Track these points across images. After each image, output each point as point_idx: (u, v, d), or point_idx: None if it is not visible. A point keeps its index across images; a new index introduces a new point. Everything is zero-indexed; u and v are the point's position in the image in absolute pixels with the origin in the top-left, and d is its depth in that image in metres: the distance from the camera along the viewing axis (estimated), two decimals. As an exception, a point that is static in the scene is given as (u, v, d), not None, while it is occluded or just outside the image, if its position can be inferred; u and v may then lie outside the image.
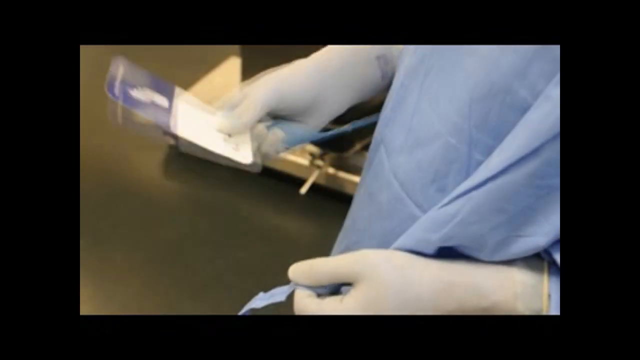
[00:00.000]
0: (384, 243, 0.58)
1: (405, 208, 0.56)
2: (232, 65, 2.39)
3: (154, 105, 0.58)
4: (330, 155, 1.97)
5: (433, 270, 0.50)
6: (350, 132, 0.68)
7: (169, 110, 0.59)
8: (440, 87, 0.53)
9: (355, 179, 1.94)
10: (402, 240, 0.52)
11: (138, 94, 0.57)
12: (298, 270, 0.53)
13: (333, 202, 2.00)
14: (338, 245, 0.72)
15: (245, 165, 0.59)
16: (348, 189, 1.96)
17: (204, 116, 0.62)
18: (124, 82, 0.57)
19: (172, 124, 0.58)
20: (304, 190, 1.91)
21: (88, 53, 2.49)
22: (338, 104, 0.65)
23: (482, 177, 0.47)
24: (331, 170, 1.99)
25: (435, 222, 0.50)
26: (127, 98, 0.56)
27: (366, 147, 1.79)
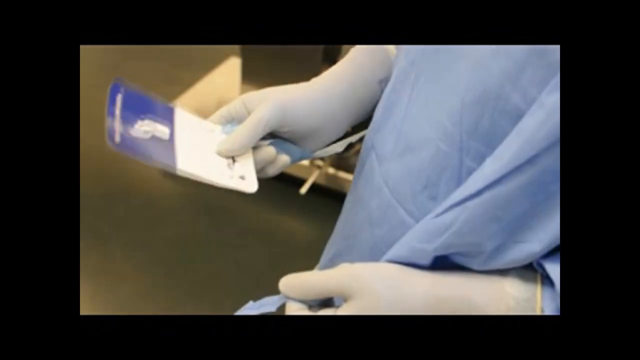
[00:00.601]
0: (374, 250, 0.58)
1: (396, 215, 0.55)
2: (232, 65, 2.39)
3: (154, 140, 0.57)
4: (331, 156, 1.97)
5: (425, 285, 0.49)
6: (342, 152, 0.68)
7: (170, 142, 0.58)
8: (431, 92, 0.52)
9: (355, 179, 1.94)
10: (395, 251, 0.52)
11: (138, 131, 0.56)
12: (289, 283, 0.52)
13: (333, 202, 2.00)
14: (327, 251, 0.71)
15: (248, 192, 0.58)
16: (348, 189, 1.95)
17: (205, 139, 0.60)
18: (123, 122, 0.56)
19: (175, 161, 0.56)
20: (304, 190, 1.91)
21: (88, 53, 2.49)
22: (337, 131, 0.64)
23: (477, 186, 0.46)
24: (331, 170, 1.99)
25: (430, 232, 0.49)
26: (128, 143, 0.55)
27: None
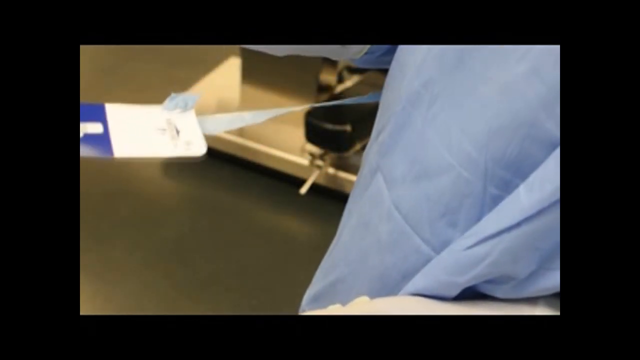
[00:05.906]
0: (384, 277, 0.56)
1: (410, 242, 0.53)
2: (232, 65, 2.38)
3: (88, 138, 0.58)
4: (330, 155, 1.97)
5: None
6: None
7: (105, 135, 0.59)
8: (450, 116, 0.50)
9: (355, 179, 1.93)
10: (419, 284, 0.50)
11: None
12: None
13: (333, 202, 1.99)
14: (324, 276, 0.68)
15: (198, 157, 0.59)
16: (348, 189, 1.95)
17: (144, 122, 0.61)
18: None
19: (112, 150, 0.58)
20: (304, 190, 1.91)
21: (88, 53, 2.49)
22: None
23: (514, 218, 0.44)
24: (331, 170, 1.99)
25: (460, 264, 0.48)
26: None
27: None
